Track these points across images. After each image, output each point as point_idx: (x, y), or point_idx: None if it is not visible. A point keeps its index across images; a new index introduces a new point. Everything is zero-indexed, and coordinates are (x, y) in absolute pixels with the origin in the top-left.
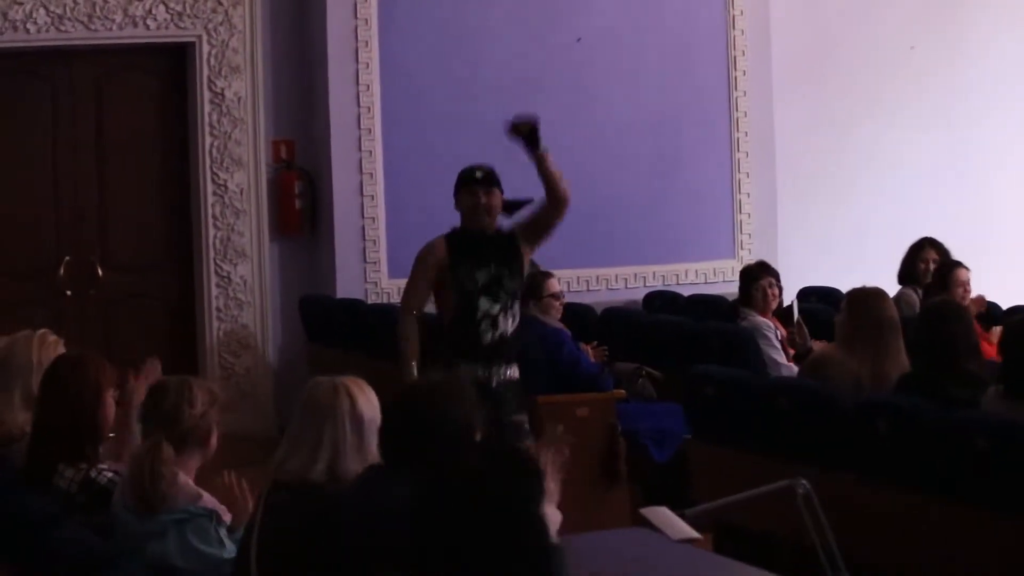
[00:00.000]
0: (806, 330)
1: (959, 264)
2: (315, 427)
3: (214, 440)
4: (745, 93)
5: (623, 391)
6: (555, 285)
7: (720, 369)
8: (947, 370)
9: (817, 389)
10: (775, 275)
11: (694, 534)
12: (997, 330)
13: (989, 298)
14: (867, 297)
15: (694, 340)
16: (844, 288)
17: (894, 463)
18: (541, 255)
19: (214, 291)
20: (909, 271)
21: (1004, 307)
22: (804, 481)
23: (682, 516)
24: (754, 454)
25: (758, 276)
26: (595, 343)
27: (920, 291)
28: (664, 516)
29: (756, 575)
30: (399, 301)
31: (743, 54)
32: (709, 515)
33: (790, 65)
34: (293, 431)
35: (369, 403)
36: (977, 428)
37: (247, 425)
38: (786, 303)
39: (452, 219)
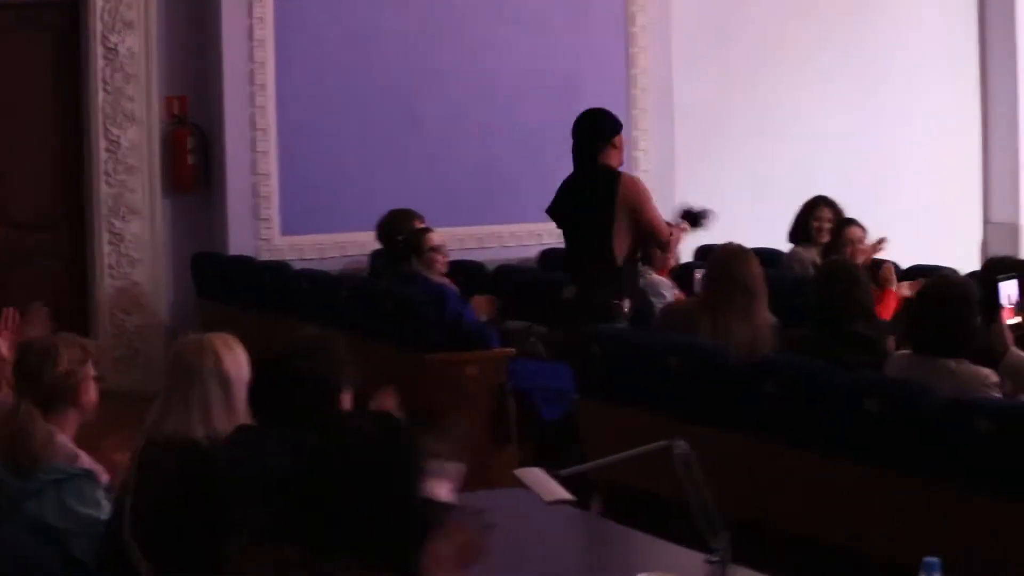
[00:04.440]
0: None
1: (852, 222)
2: (183, 385)
3: (89, 398)
4: (644, 49)
5: (513, 349)
6: (436, 239)
7: (608, 328)
8: (836, 331)
9: (707, 348)
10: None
11: (567, 496)
12: (905, 284)
13: (890, 257)
14: (726, 255)
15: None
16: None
17: (782, 423)
18: (433, 211)
19: (106, 248)
20: (802, 230)
21: (904, 266)
22: (682, 441)
23: (556, 477)
24: (642, 413)
25: None
26: (488, 295)
27: (817, 250)
28: (537, 477)
29: (622, 534)
30: (291, 257)
31: (643, 10)
32: (590, 475)
33: (690, 22)
34: (164, 390)
35: (235, 361)
36: (867, 388)
37: (139, 383)
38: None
39: (347, 176)
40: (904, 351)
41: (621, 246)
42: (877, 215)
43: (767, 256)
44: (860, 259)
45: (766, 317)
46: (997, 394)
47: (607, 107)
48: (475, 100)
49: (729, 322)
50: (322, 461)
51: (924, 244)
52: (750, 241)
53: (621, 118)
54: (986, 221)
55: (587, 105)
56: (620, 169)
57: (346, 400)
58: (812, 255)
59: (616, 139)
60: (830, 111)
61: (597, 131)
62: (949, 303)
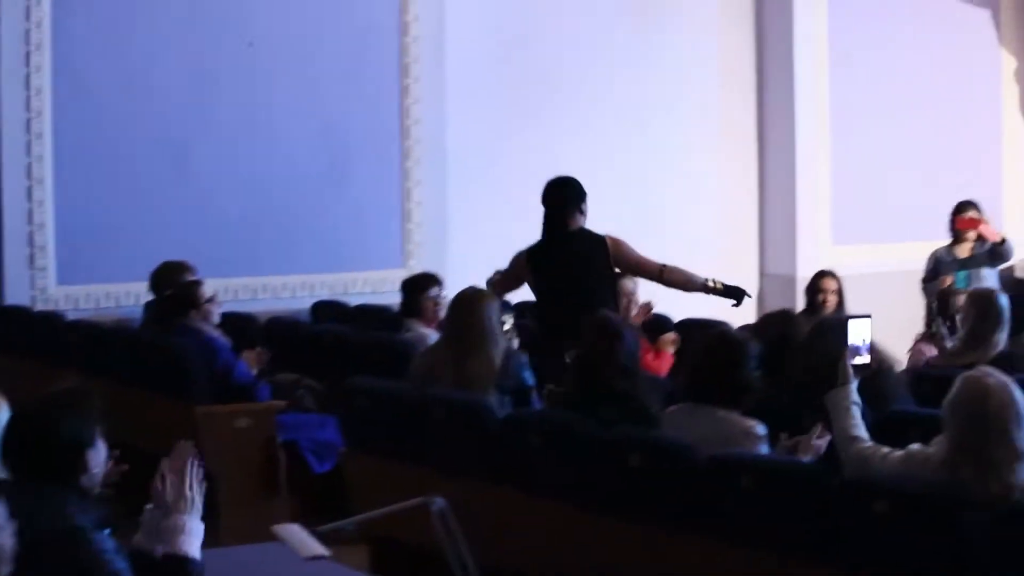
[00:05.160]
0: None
1: (622, 276)
2: None
3: None
4: (418, 101)
5: (282, 402)
6: (208, 290)
7: (373, 381)
8: (593, 387)
9: (470, 402)
10: (440, 284)
11: (323, 551)
12: (668, 337)
13: (666, 310)
14: (465, 298)
15: (356, 351)
16: (515, 298)
17: (546, 477)
18: (206, 262)
19: None
20: None
21: (679, 319)
22: (439, 498)
23: (314, 533)
24: (408, 466)
25: (425, 286)
26: (258, 348)
27: None
28: (294, 533)
29: None
30: (67, 308)
31: (417, 61)
32: (351, 529)
33: (465, 72)
34: None
35: None
36: (630, 444)
37: None
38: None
39: (121, 226)
40: (678, 405)
41: (615, 294)
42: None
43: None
44: (634, 314)
45: (493, 359)
46: (762, 446)
47: (380, 156)
48: (249, 150)
49: (465, 363)
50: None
51: (700, 295)
52: (525, 294)
53: (394, 169)
54: (762, 273)
55: (361, 155)
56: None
57: (96, 455)
58: None
59: (583, 205)
60: (606, 160)
61: (569, 199)
62: (721, 355)
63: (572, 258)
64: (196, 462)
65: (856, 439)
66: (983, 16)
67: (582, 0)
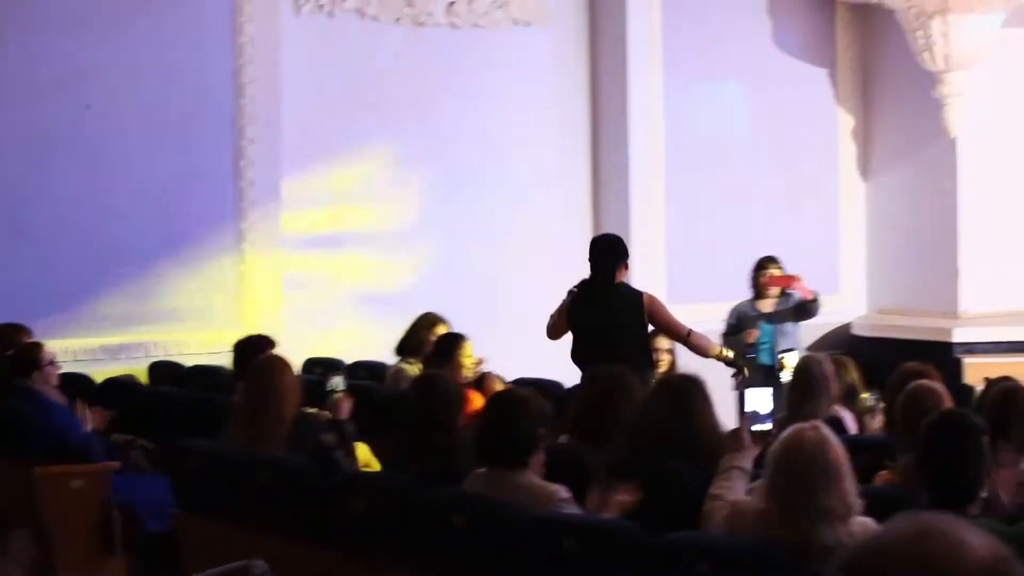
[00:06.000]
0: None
1: (459, 336)
2: None
3: None
4: (252, 163)
5: (117, 463)
6: (48, 353)
7: (203, 442)
8: (411, 443)
9: (296, 464)
10: (273, 346)
11: None
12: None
13: (498, 370)
14: (261, 366)
15: (189, 412)
16: (349, 359)
17: (371, 539)
18: (44, 323)
19: None
20: (412, 343)
21: (511, 378)
22: (260, 561)
23: None
24: (238, 527)
25: (259, 348)
26: (98, 407)
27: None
28: None
29: None
30: None
31: (252, 123)
32: None
33: (301, 132)
34: None
35: None
36: (453, 505)
37: None
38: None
39: None
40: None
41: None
42: (491, 328)
43: (374, 369)
44: (466, 371)
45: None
46: (571, 509)
47: (214, 216)
48: (87, 212)
49: (259, 431)
50: None
51: (535, 355)
52: (360, 353)
53: (228, 231)
54: None
55: (196, 214)
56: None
57: None
58: (417, 369)
59: (627, 261)
60: (430, 217)
61: (615, 255)
62: (516, 416)
63: (607, 312)
64: None
65: (715, 497)
66: (821, 75)
67: (424, 51)
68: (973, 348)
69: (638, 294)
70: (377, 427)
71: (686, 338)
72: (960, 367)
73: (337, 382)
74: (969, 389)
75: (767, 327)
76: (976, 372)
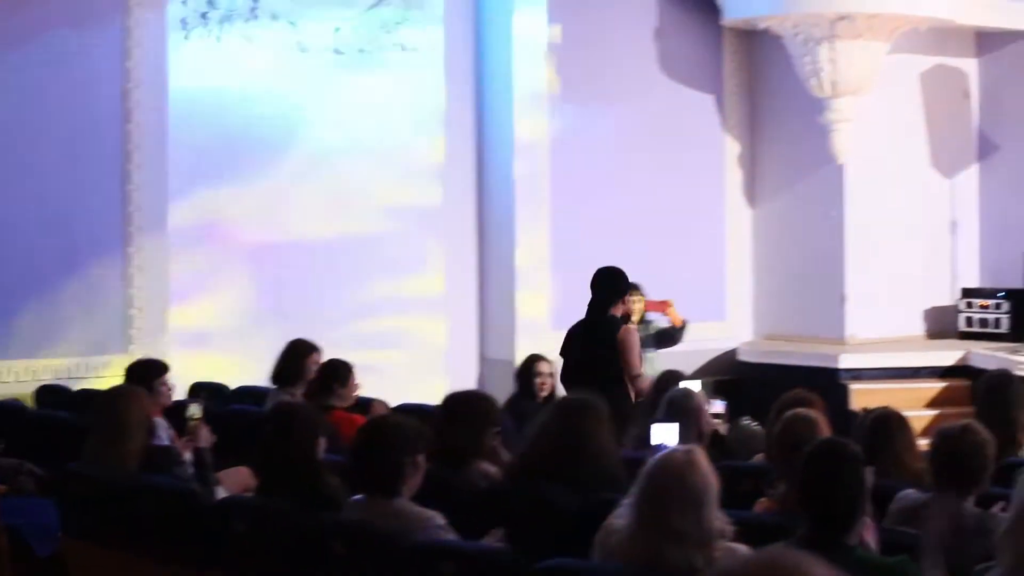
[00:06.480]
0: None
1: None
2: None
3: None
4: (139, 187)
5: (4, 487)
6: None
7: (89, 467)
8: (278, 471)
9: (178, 488)
10: (167, 371)
11: None
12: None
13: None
14: (109, 398)
15: (78, 436)
16: (233, 383)
17: (253, 562)
18: None
19: None
20: (290, 372)
21: (394, 404)
22: None
23: None
24: (122, 552)
25: (156, 373)
26: None
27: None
28: None
29: None
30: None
31: (139, 148)
32: None
33: (188, 157)
34: None
35: None
36: (333, 532)
37: None
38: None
39: None
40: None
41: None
42: (374, 356)
43: (258, 395)
44: (346, 397)
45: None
46: (449, 535)
47: (104, 242)
48: None
49: (117, 458)
50: None
51: (422, 380)
52: (243, 379)
53: (116, 255)
54: (482, 358)
55: (83, 244)
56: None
57: None
58: (298, 397)
59: (621, 299)
60: (311, 238)
61: (610, 290)
62: (385, 444)
63: (590, 342)
64: None
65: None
66: (707, 100)
67: (309, 75)
68: (860, 374)
69: (618, 328)
70: (247, 454)
71: (634, 378)
72: (847, 393)
73: (194, 409)
74: (855, 415)
75: None
76: (863, 398)
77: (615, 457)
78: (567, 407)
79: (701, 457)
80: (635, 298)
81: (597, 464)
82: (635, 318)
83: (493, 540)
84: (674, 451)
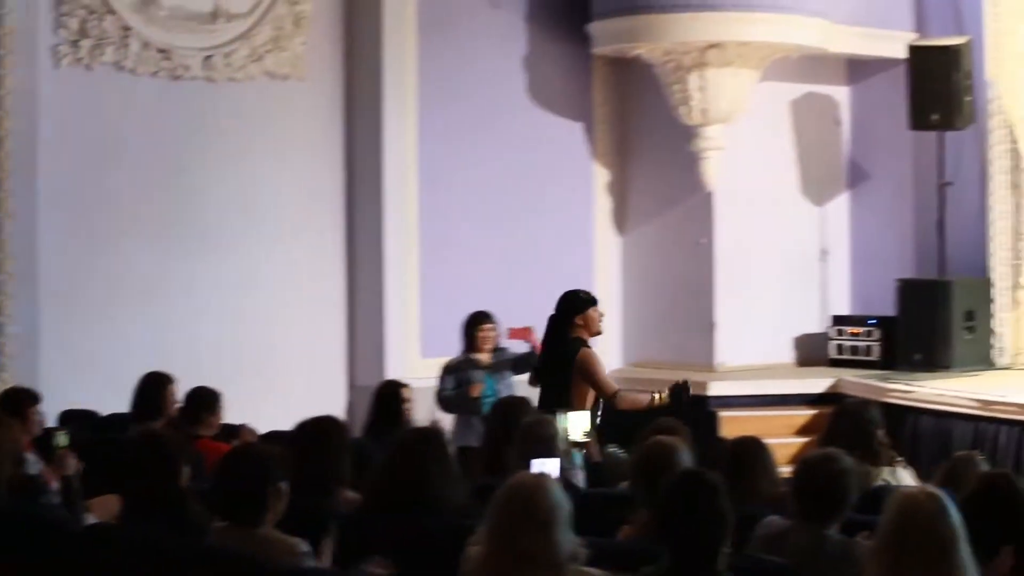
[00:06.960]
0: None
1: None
2: None
3: None
4: (11, 215)
5: None
6: None
7: None
8: (146, 497)
9: (43, 516)
10: (39, 400)
11: None
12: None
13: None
14: None
15: None
16: (107, 411)
17: None
18: None
19: None
20: (149, 407)
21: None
22: None
23: None
24: None
25: (29, 403)
26: None
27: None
28: None
29: None
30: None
31: (9, 176)
32: None
33: (58, 186)
34: None
35: None
36: (198, 558)
37: None
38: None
39: None
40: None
41: (580, 399)
42: (244, 380)
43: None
44: (213, 425)
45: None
46: (310, 562)
47: None
48: None
49: None
50: None
51: (294, 406)
52: (118, 405)
53: None
54: (351, 385)
55: None
56: (584, 343)
57: None
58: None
59: (578, 318)
60: (197, 271)
61: (565, 312)
62: (247, 473)
63: (552, 363)
64: None
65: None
66: (577, 128)
67: (181, 105)
68: (729, 401)
69: (576, 351)
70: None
71: (612, 398)
72: (716, 421)
73: (60, 437)
74: (723, 443)
75: (490, 380)
76: (732, 426)
77: (459, 486)
78: (406, 441)
79: (551, 481)
80: (487, 326)
81: (440, 495)
82: (487, 347)
83: (376, 569)
84: (524, 474)
